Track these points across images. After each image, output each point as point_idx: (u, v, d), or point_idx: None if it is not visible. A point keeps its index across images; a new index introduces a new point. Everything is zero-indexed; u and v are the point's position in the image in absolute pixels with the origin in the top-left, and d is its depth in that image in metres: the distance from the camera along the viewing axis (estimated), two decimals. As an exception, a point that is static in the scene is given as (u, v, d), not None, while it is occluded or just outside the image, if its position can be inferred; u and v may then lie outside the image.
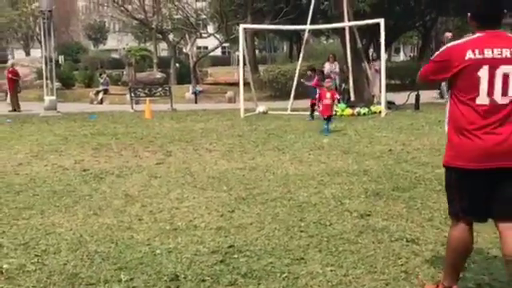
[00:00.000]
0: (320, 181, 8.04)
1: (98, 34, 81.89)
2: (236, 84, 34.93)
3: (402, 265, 4.83)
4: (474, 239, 4.15)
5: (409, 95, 19.41)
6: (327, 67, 21.55)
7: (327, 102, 13.76)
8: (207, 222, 6.22)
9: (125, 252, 5.33)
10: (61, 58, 52.51)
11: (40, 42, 32.97)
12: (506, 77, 3.81)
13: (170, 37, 43.57)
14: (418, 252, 5.11)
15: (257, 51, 50.20)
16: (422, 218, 6.08)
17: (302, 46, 22.88)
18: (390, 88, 20.80)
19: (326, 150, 10.70)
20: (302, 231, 5.77)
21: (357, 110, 17.69)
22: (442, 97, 20.85)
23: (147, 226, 6.11)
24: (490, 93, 3.82)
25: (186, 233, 5.85)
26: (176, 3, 36.68)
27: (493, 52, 3.81)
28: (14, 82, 24.13)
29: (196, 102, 27.95)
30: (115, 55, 71.35)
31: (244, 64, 19.95)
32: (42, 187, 8.19)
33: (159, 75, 37.62)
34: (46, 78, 21.77)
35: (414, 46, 58.54)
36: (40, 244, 5.60)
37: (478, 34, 3.92)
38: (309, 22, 20.15)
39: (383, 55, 18.04)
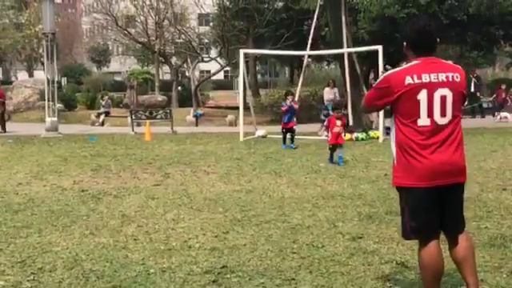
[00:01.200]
0: (315, 204, 8.15)
1: (102, 56, 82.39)
2: (237, 108, 35.31)
3: (390, 287, 4.92)
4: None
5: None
6: (327, 92, 21.76)
7: (337, 129, 12.64)
8: (202, 242, 6.32)
9: (119, 271, 5.42)
10: (64, 80, 52.96)
11: (43, 64, 33.25)
12: (443, 98, 4.12)
13: (173, 60, 43.94)
14: (406, 275, 5.20)
15: (258, 76, 50.56)
16: (413, 242, 6.15)
17: (303, 71, 23.12)
18: (388, 114, 20.92)
19: (323, 174, 10.81)
20: (294, 253, 5.87)
21: (355, 135, 17.83)
22: None
23: (142, 246, 6.21)
24: (430, 114, 4.13)
25: (180, 253, 5.94)
26: (179, 27, 37.06)
27: (430, 77, 4.12)
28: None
29: (197, 125, 28.13)
30: (118, 78, 71.83)
31: (246, 88, 20.16)
32: (40, 207, 8.30)
33: (161, 98, 37.89)
34: (48, 100, 21.96)
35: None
36: (36, 262, 5.70)
37: (414, 62, 4.23)
38: (308, 47, 20.41)
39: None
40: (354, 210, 7.67)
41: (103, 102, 32.21)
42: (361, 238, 6.35)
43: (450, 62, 4.36)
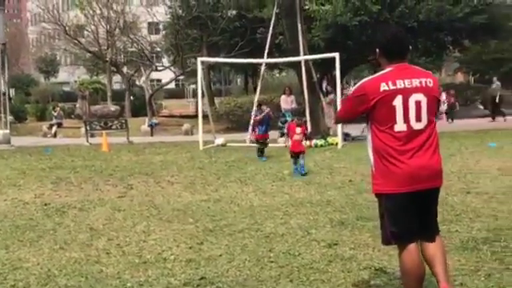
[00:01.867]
0: (285, 211, 8.13)
1: (50, 66, 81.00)
2: (191, 116, 35.13)
3: (371, 293, 4.93)
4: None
5: (364, 127, 19.74)
6: (283, 100, 21.86)
7: (297, 137, 12.23)
8: (176, 254, 6.22)
9: (95, 286, 5.30)
10: (12, 92, 51.81)
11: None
12: (418, 104, 4.17)
13: (124, 69, 43.48)
14: (386, 280, 5.22)
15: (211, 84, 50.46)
16: (389, 247, 6.18)
17: (260, 79, 23.17)
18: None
19: (288, 182, 10.81)
20: (272, 262, 5.83)
21: (314, 141, 17.92)
22: None
23: (116, 260, 6.08)
24: (406, 120, 4.17)
25: (155, 266, 5.84)
26: (131, 36, 36.69)
27: (404, 83, 4.17)
28: None
29: (152, 135, 27.86)
30: (66, 88, 70.68)
31: (204, 96, 20.09)
32: (3, 222, 8.07)
33: (113, 108, 37.44)
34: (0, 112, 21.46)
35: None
36: (8, 279, 5.52)
37: (388, 69, 4.28)
38: (265, 55, 20.47)
39: (339, 88, 18.39)
40: (326, 217, 7.67)
41: (55, 113, 31.61)
42: (336, 244, 6.36)
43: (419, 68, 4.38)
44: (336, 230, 6.98)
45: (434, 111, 4.28)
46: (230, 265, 5.77)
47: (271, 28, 20.23)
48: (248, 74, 47.72)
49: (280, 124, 21.97)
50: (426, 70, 4.46)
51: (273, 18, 20.19)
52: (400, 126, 4.18)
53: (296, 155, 12.00)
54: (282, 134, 20.74)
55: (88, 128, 23.15)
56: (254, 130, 15.75)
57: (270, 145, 18.21)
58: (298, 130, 12.26)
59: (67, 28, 38.81)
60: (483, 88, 33.44)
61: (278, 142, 19.54)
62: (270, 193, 9.73)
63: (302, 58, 19.31)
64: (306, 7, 19.32)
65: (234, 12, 33.97)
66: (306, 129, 16.71)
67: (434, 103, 4.28)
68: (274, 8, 20.19)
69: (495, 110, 25.84)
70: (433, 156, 4.24)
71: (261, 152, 14.97)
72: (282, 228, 7.16)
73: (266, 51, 20.33)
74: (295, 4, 19.62)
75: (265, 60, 20.93)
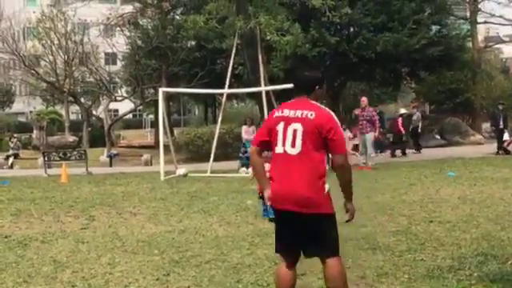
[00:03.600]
0: (251, 242, 8.11)
1: (5, 96, 79.69)
2: (150, 147, 34.96)
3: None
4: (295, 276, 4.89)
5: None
6: (245, 130, 21.95)
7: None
8: (143, 286, 6.16)
9: (62, 320, 5.20)
10: (-35, 122, 50.82)
11: None
12: (294, 132, 4.71)
13: (82, 99, 43.10)
14: (356, 310, 5.24)
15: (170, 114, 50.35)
16: (356, 276, 6.24)
17: (221, 109, 23.27)
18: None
19: (252, 212, 10.77)
20: (240, 293, 5.81)
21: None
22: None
23: (82, 293, 5.98)
24: (283, 143, 4.76)
25: (123, 298, 5.76)
26: (90, 66, 36.46)
27: (289, 112, 4.78)
28: None
29: (111, 166, 27.59)
30: (22, 118, 69.61)
31: (165, 127, 20.03)
32: (-38, 255, 7.86)
33: (71, 138, 37.09)
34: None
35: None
36: (-29, 315, 5.38)
37: (290, 101, 4.93)
38: (227, 86, 20.58)
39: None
40: (291, 247, 7.67)
41: (12, 144, 31.09)
42: (304, 274, 6.33)
43: (317, 104, 4.85)
44: (301, 260, 6.94)
45: (313, 142, 4.70)
46: (199, 296, 5.74)
47: (232, 59, 20.36)
48: (207, 104, 47.82)
49: (241, 154, 22.01)
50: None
51: (233, 49, 20.33)
52: (278, 149, 4.79)
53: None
54: (243, 165, 20.78)
55: (46, 159, 22.77)
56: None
57: (231, 175, 18.29)
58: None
59: (24, 58, 38.41)
60: (438, 118, 34.08)
61: (239, 172, 19.56)
62: (234, 223, 9.70)
63: (263, 88, 19.46)
64: (268, 38, 19.48)
65: (194, 43, 34.18)
66: None
67: (312, 134, 4.69)
68: (235, 39, 20.34)
69: (416, 142, 26.22)
70: (299, 182, 4.68)
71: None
72: (249, 258, 7.14)
73: (228, 81, 20.42)
74: (256, 35, 19.84)
75: (226, 90, 21.02)
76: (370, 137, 18.73)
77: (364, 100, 19.26)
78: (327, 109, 4.83)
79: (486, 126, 32.99)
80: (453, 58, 31.05)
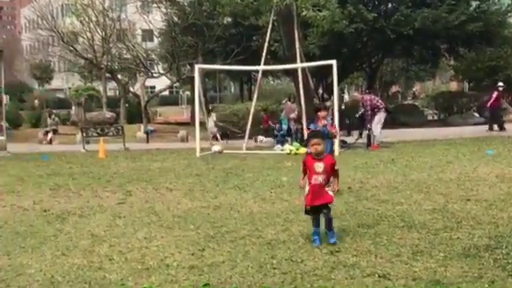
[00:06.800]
0: (286, 218, 8.13)
1: (44, 73, 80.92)
2: (186, 123, 35.12)
3: (376, 300, 4.94)
4: None
5: (360, 134, 19.84)
6: (288, 107, 21.90)
7: (319, 179, 6.84)
8: (179, 260, 6.22)
9: (99, 292, 5.30)
10: (6, 98, 51.72)
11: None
12: None
13: (119, 76, 43.45)
14: (390, 287, 5.22)
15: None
16: (390, 254, 6.22)
17: (257, 86, 23.20)
18: (340, 127, 21.16)
19: (287, 188, 10.79)
20: (274, 268, 5.83)
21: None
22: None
23: (119, 266, 6.07)
24: None
25: (158, 272, 5.84)
26: (127, 43, 36.68)
27: None
28: None
29: (148, 142, 27.83)
30: (60, 95, 70.66)
31: (201, 104, 20.13)
32: (3, 228, 8.06)
33: (109, 115, 37.44)
34: (-5, 119, 21.43)
35: (359, 86, 59.84)
36: (12, 286, 5.53)
37: None
38: (262, 63, 20.50)
39: (336, 95, 18.46)
40: (326, 224, 7.67)
41: (51, 120, 31.57)
42: (338, 251, 6.36)
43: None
44: (337, 237, 6.99)
45: None
46: (233, 271, 5.78)
47: (268, 35, 20.26)
48: (243, 81, 47.78)
49: (276, 132, 22.05)
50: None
51: (270, 25, 20.22)
52: None
53: (315, 210, 6.89)
54: (278, 142, 20.81)
55: (84, 135, 23.13)
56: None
57: (266, 152, 18.31)
58: (320, 166, 6.87)
59: (62, 35, 38.77)
60: (477, 96, 33.49)
61: (274, 149, 19.58)
62: (269, 200, 9.73)
63: (299, 65, 19.35)
64: (303, 13, 19.29)
65: (230, 19, 34.07)
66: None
67: None
68: (271, 15, 20.21)
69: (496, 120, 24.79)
70: None
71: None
72: (284, 235, 7.17)
73: (263, 58, 20.34)
74: (292, 11, 19.69)
75: (262, 67, 20.95)
76: (377, 118, 18.98)
77: (356, 95, 19.39)
78: None
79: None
80: (493, 34, 30.33)
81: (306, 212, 7.03)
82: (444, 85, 58.70)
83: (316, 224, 6.82)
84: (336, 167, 6.99)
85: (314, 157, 6.92)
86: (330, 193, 6.96)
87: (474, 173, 11.86)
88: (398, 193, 9.85)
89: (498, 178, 11.06)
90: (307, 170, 6.97)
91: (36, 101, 55.05)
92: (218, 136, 23.95)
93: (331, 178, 6.97)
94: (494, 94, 24.16)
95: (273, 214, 8.49)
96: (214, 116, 25.91)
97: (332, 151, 9.87)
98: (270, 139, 22.17)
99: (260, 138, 22.01)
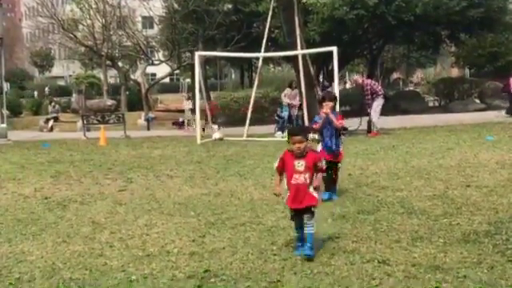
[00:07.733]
0: (286, 205, 8.12)
1: (44, 61, 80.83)
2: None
3: (376, 286, 4.96)
4: None
5: (360, 121, 19.82)
6: (289, 94, 21.82)
7: (300, 178, 6.07)
8: (179, 247, 6.25)
9: (100, 279, 5.33)
10: (6, 86, 51.73)
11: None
12: None
13: (120, 64, 43.39)
14: (390, 272, 5.24)
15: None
16: (390, 240, 6.24)
17: (257, 73, 23.14)
18: (341, 114, 21.11)
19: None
20: (275, 254, 5.86)
21: (311, 135, 17.91)
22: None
23: (119, 253, 6.11)
24: None
25: (159, 258, 5.87)
26: (127, 30, 36.60)
27: None
28: None
29: (149, 129, 27.87)
30: (61, 82, 70.60)
31: (202, 91, 20.11)
32: (4, 216, 8.10)
33: (110, 102, 37.43)
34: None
35: (360, 73, 59.74)
36: (13, 272, 5.56)
37: None
38: (263, 49, 20.45)
39: (337, 82, 18.38)
40: (326, 211, 7.68)
41: (52, 108, 31.59)
42: (338, 237, 6.39)
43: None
44: (337, 224, 7.02)
45: None
46: (234, 258, 5.81)
47: (268, 22, 20.20)
48: (244, 68, 47.66)
49: (276, 118, 22.02)
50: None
51: (270, 12, 20.16)
52: None
53: (297, 213, 6.12)
54: (279, 129, 20.81)
55: (85, 122, 23.16)
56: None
57: (267, 139, 18.31)
58: (301, 164, 6.05)
59: (63, 22, 38.68)
60: (478, 82, 33.47)
61: (275, 135, 19.59)
62: (269, 186, 9.68)
63: (299, 51, 19.29)
64: (304, 0, 19.21)
65: (230, 6, 33.95)
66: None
67: None
68: (272, 1, 20.14)
69: None
70: None
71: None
72: (284, 221, 7.18)
73: (264, 45, 20.29)
74: (293, -3, 19.61)
75: (262, 54, 20.89)
76: (375, 104, 19.06)
77: (357, 79, 19.38)
78: None
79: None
80: (494, 20, 30.14)
81: (291, 217, 6.18)
82: (445, 71, 58.60)
83: (298, 227, 6.00)
84: (319, 164, 6.06)
85: (295, 154, 6.04)
86: (315, 194, 6.04)
87: (474, 159, 11.86)
88: (398, 179, 9.87)
89: (498, 164, 11.07)
90: (285, 170, 6.14)
91: (47, 88, 55.07)
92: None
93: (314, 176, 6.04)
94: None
95: (273, 200, 8.48)
96: (190, 103, 26.24)
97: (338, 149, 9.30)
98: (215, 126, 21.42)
99: (214, 126, 21.35)
